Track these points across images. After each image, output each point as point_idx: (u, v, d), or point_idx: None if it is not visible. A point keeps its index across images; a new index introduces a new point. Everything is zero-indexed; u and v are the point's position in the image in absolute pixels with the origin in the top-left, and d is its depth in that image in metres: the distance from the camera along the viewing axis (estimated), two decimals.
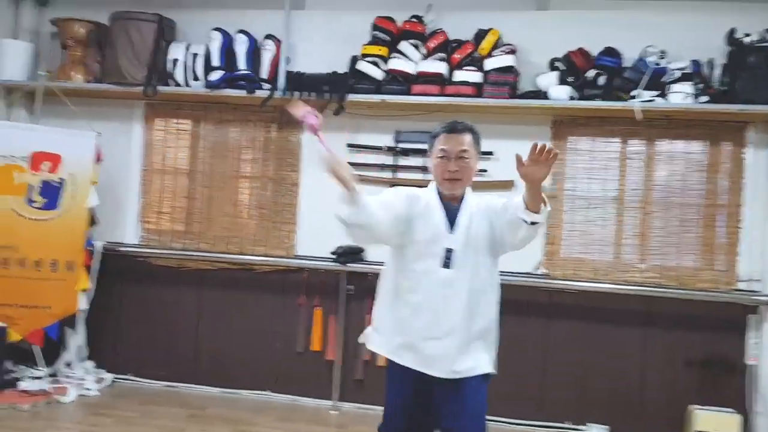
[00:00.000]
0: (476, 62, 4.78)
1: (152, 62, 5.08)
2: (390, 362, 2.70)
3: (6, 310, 4.77)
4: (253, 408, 4.90)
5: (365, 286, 4.84)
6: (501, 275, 2.79)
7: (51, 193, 4.93)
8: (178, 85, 5.13)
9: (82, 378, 5.13)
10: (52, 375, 5.07)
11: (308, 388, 5.12)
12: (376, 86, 4.88)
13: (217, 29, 5.11)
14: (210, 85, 5.03)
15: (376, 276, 2.89)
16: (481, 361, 2.63)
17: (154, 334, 5.38)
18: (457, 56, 4.80)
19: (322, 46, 5.21)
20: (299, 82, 4.97)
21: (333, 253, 4.99)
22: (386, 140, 5.14)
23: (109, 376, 5.27)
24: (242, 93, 5.00)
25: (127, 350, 5.41)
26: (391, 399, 2.73)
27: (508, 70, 4.72)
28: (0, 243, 4.77)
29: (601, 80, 4.59)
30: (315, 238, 5.13)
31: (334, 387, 5.05)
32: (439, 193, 2.68)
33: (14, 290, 4.79)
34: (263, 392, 5.19)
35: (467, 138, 2.65)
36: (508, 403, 4.73)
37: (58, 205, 4.94)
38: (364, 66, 4.90)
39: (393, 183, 5.07)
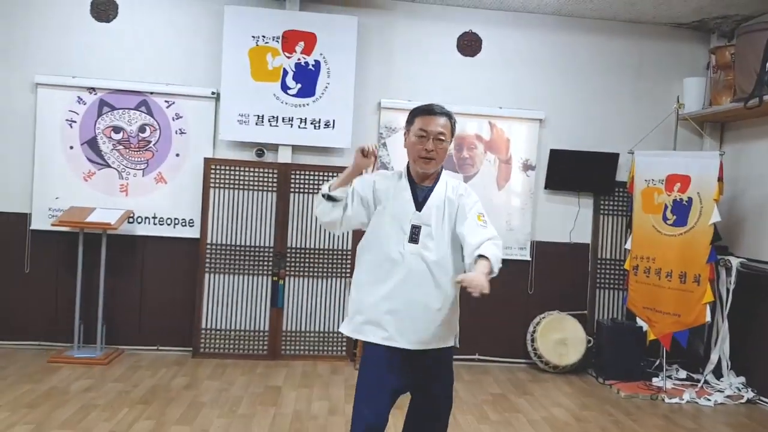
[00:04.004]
0: None
1: (760, 72, 4.85)
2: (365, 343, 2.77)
3: (647, 313, 5.56)
4: None
5: None
6: None
7: (681, 211, 5.40)
8: None
9: (718, 390, 5.34)
10: (695, 380, 5.51)
11: None
12: None
13: None
14: None
15: None
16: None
17: None
18: None
19: None
20: None
21: None
22: None
23: (748, 395, 5.24)
24: None
25: None
26: (371, 381, 2.69)
27: None
28: (644, 254, 5.60)
29: None
30: None
31: None
32: (410, 174, 2.79)
33: (652, 296, 5.51)
34: None
35: (445, 121, 2.75)
36: None
37: (686, 221, 5.37)
38: None
39: None
